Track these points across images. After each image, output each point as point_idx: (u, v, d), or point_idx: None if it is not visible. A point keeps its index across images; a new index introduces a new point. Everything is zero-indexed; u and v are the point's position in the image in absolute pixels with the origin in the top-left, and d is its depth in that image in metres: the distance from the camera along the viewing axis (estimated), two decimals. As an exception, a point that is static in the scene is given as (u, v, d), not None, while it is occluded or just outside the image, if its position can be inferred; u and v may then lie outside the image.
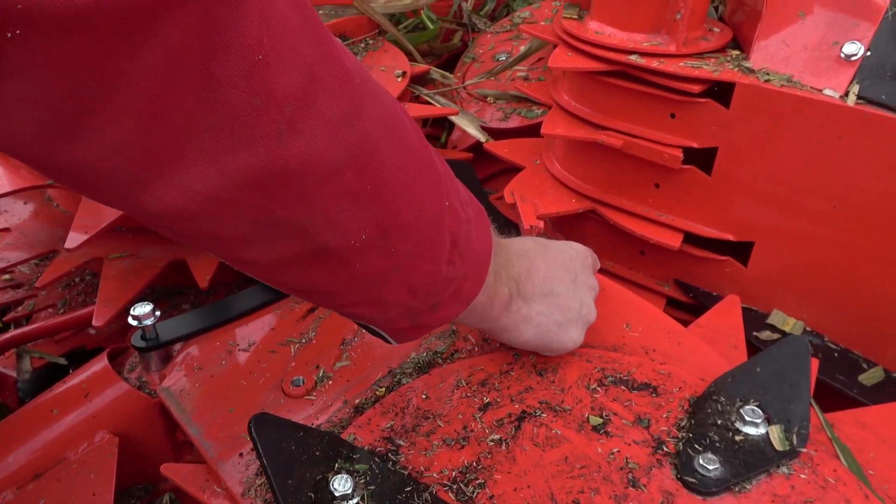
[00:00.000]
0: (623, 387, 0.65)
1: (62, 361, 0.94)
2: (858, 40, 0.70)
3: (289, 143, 0.35)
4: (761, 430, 0.60)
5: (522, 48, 1.39)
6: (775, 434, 0.59)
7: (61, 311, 0.96)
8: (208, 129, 0.32)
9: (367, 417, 0.62)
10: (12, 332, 0.87)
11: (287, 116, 0.34)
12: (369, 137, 0.40)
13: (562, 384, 0.65)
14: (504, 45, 1.55)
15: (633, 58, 0.79)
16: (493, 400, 0.64)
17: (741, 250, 0.83)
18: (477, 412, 0.62)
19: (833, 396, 0.74)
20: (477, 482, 0.56)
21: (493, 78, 1.38)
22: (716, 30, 0.85)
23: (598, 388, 0.65)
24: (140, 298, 0.94)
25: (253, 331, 0.74)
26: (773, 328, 0.82)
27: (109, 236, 0.90)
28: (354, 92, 0.38)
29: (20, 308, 0.98)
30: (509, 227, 0.90)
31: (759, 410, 0.61)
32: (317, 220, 0.39)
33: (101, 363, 0.71)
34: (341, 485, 0.53)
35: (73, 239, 0.76)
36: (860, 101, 0.69)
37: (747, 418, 0.60)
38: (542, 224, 0.85)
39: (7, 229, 0.96)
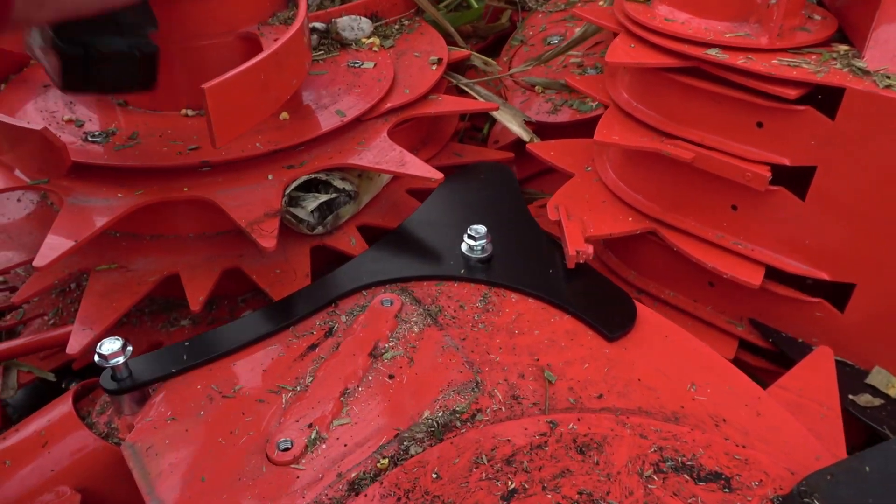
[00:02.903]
0: (686, 475, 0.52)
1: (51, 377, 0.85)
2: None
3: None
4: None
5: (577, 30, 1.23)
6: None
7: (52, 321, 0.87)
8: None
9: (363, 501, 0.50)
10: (-10, 349, 0.79)
11: None
12: None
13: (608, 467, 0.52)
14: (557, 26, 1.39)
15: (713, 52, 0.64)
16: (519, 486, 0.51)
17: (837, 292, 0.68)
18: (499, 502, 0.50)
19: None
20: None
21: (542, 64, 1.23)
22: (816, 17, 0.69)
23: (655, 476, 0.52)
24: (127, 319, 0.84)
25: (241, 372, 0.63)
26: (873, 390, 0.66)
27: (99, 242, 0.81)
28: None
29: (9, 316, 0.89)
30: (552, 246, 0.76)
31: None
32: None
33: (64, 406, 0.61)
34: None
35: (44, 255, 0.66)
36: None
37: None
38: (590, 249, 0.71)
39: (-6, 231, 0.88)
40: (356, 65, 0.99)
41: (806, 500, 0.49)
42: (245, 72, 0.67)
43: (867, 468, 0.49)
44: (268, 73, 0.71)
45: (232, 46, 0.84)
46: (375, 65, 0.99)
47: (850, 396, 0.66)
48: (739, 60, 0.62)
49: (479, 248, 0.74)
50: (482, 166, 0.92)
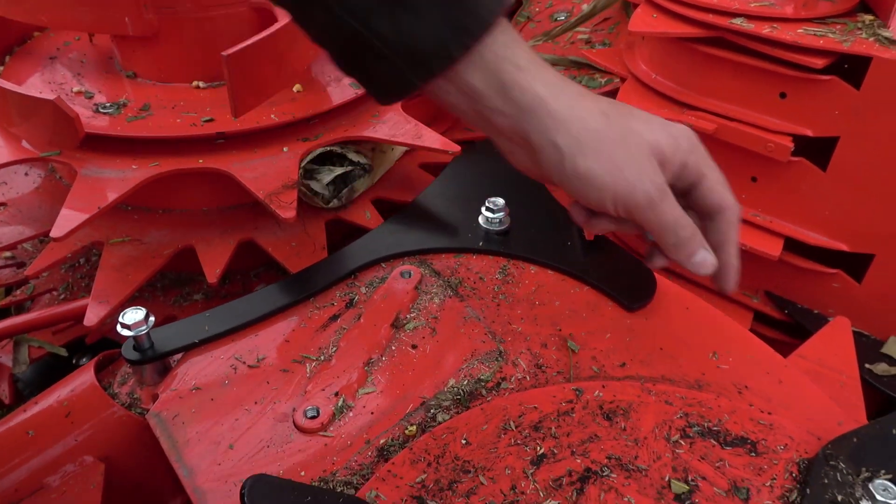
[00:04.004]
0: (713, 440, 0.52)
1: (62, 352, 0.85)
2: None
3: None
4: (898, 513, 0.46)
5: (585, 7, 1.23)
6: (918, 520, 0.46)
7: (62, 296, 0.87)
8: None
9: (393, 467, 0.50)
10: (1, 323, 0.78)
11: None
12: None
13: (635, 433, 0.53)
14: (563, 2, 1.38)
15: (738, 21, 0.64)
16: (548, 451, 0.51)
17: (855, 263, 0.68)
18: (529, 467, 0.50)
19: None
20: (528, 567, 0.44)
21: (550, 41, 1.22)
22: (839, -13, 0.68)
23: (682, 441, 0.52)
24: (140, 293, 0.84)
25: (263, 342, 0.63)
26: (889, 360, 0.67)
27: (112, 216, 0.80)
28: None
29: (18, 291, 0.89)
30: (569, 220, 0.76)
31: (894, 487, 0.47)
32: None
33: (86, 376, 0.61)
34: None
35: (61, 226, 0.65)
36: None
37: (878, 497, 0.47)
38: (609, 221, 0.71)
39: (3, 204, 0.87)
40: (367, 38, 0.98)
41: (832, 462, 0.49)
42: (263, 41, 0.66)
43: (894, 431, 0.49)
44: (285, 43, 0.70)
45: (244, 17, 0.83)
46: (386, 38, 0.98)
47: (867, 365, 0.66)
48: (765, 30, 0.62)
49: (498, 220, 0.74)
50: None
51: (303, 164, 0.79)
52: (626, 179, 0.45)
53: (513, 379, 0.59)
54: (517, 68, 0.44)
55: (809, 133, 0.64)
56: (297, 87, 0.84)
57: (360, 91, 0.85)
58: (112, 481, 0.60)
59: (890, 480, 0.47)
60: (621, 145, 0.45)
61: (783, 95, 0.64)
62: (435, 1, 0.42)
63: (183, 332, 0.62)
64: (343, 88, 0.85)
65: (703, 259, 0.49)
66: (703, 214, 0.49)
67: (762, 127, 0.66)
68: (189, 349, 0.62)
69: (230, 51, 0.62)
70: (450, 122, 1.02)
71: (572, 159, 0.46)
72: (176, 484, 0.61)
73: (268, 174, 0.74)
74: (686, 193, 0.49)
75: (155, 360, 0.60)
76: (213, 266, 0.75)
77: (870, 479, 0.48)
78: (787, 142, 0.64)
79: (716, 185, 0.47)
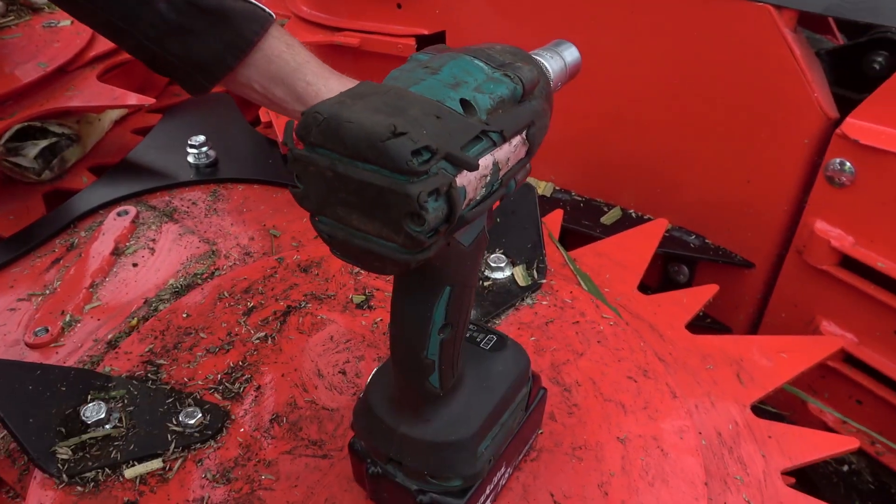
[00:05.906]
0: (384, 265, 0.68)
1: None
2: None
3: None
4: (507, 273, 0.65)
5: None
6: (518, 274, 0.65)
7: None
8: None
9: (122, 348, 0.59)
10: None
11: None
12: None
13: (326, 275, 0.66)
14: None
15: (349, -49, 0.79)
16: (257, 303, 0.63)
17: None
18: (241, 317, 0.62)
19: (580, 240, 0.82)
20: (243, 378, 0.56)
21: None
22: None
23: (361, 273, 0.67)
24: None
25: (-13, 295, 0.67)
26: (528, 194, 0.88)
27: None
28: None
29: None
30: (269, 144, 0.88)
31: (504, 256, 0.66)
32: None
33: None
34: (93, 412, 0.51)
35: None
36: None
37: (493, 265, 0.65)
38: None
39: None
40: (52, 24, 1.01)
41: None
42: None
43: (498, 220, 0.68)
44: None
45: None
46: (73, 21, 1.02)
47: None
48: (368, -45, 0.79)
49: (203, 154, 0.84)
50: (204, 98, 1.01)
51: (2, 143, 0.82)
52: None
53: (225, 267, 0.70)
54: (307, 84, 0.58)
55: (425, 31, 0.82)
56: (-20, 75, 0.86)
57: (49, 69, 0.89)
58: None
59: (502, 253, 0.66)
60: None
61: (399, 6, 0.82)
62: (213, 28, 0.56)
63: None
64: (31, 69, 0.89)
65: None
66: None
67: (391, 34, 0.83)
68: None
69: None
70: (159, 90, 1.09)
71: None
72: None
73: (-38, 154, 0.76)
74: None
75: None
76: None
77: (488, 257, 0.66)
78: (411, 42, 0.82)
79: None
